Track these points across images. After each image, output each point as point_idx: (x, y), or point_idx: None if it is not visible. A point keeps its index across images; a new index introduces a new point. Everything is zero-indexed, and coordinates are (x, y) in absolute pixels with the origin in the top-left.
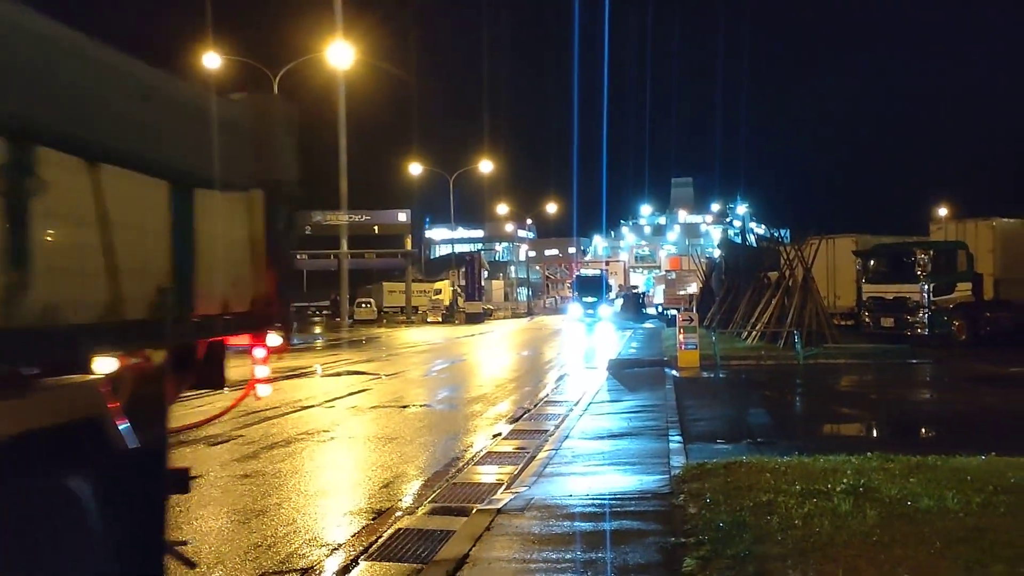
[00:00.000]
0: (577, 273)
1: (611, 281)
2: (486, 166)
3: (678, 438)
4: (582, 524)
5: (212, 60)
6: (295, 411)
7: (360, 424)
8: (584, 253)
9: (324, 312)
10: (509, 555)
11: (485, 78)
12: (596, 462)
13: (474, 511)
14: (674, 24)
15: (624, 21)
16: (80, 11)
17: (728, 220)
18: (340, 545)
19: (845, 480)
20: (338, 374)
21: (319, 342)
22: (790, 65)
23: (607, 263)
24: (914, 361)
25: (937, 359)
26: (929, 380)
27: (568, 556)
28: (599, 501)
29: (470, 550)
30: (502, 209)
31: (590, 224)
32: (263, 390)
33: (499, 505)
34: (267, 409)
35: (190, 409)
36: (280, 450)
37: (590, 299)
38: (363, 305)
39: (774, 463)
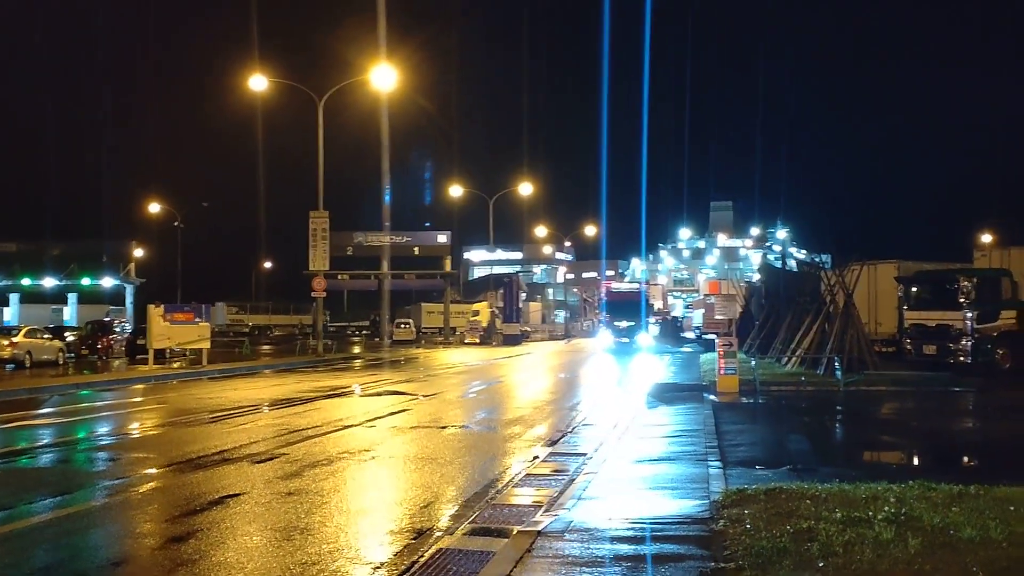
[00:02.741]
0: (607, 288)
1: (652, 302)
2: (525, 188)
3: (717, 463)
4: (622, 547)
5: (259, 83)
6: (336, 430)
7: (400, 444)
8: (622, 276)
9: (364, 332)
10: None
11: (524, 101)
12: (635, 486)
13: (515, 532)
14: (713, 47)
15: (663, 44)
16: (142, 39)
17: (768, 244)
18: (382, 564)
19: (887, 508)
20: (378, 394)
21: (359, 362)
22: (832, 88)
23: (647, 284)
24: (957, 389)
25: (980, 388)
26: (972, 409)
27: None
28: (639, 525)
29: (511, 571)
30: (540, 231)
31: (628, 247)
32: None
33: (539, 527)
34: (309, 428)
35: (234, 427)
36: (322, 468)
37: (624, 323)
38: (402, 326)
39: (814, 490)
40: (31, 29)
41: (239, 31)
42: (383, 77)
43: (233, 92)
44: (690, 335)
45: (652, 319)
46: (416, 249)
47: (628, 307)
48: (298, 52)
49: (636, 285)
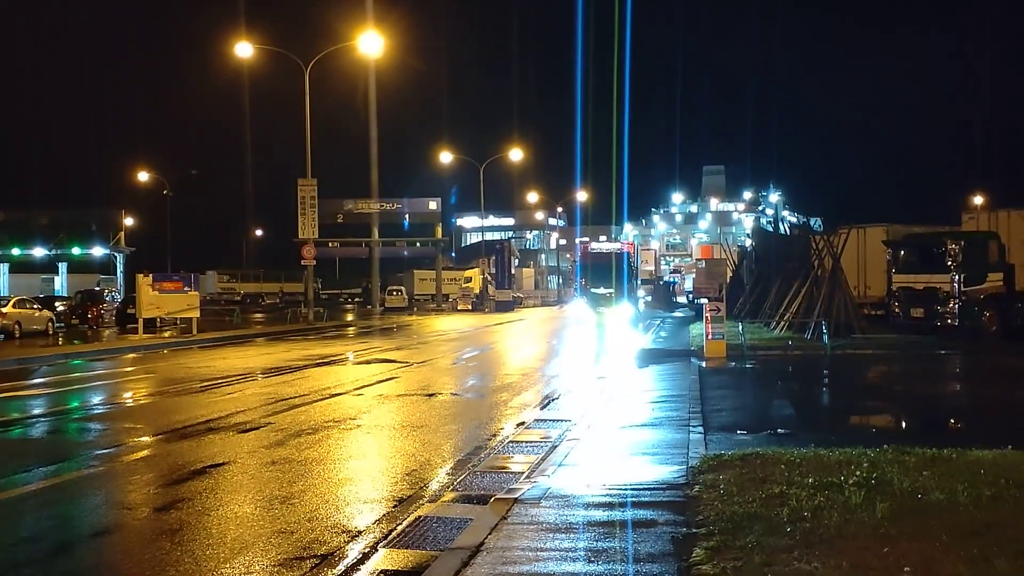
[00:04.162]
0: (585, 249)
1: (644, 266)
2: (516, 154)
3: (699, 429)
4: (597, 513)
5: (244, 50)
6: (323, 399)
7: (387, 412)
8: (615, 240)
9: (356, 299)
10: (523, 544)
11: (514, 66)
12: (616, 452)
13: (492, 500)
14: (702, 11)
15: (653, 8)
16: (128, 6)
17: (760, 208)
18: (361, 532)
19: (859, 473)
20: (367, 362)
21: (350, 330)
22: (823, 51)
23: (630, 244)
24: (942, 352)
25: (966, 351)
26: (957, 372)
27: (581, 545)
28: (615, 491)
29: (486, 538)
30: (532, 197)
31: (620, 212)
32: None
33: (517, 494)
34: (296, 397)
35: (222, 396)
36: (307, 437)
37: (603, 290)
38: (394, 293)
39: (790, 455)
40: None
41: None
42: (370, 43)
43: (221, 59)
44: (682, 300)
45: (642, 284)
46: (407, 216)
47: (609, 270)
48: (286, 18)
49: (618, 245)
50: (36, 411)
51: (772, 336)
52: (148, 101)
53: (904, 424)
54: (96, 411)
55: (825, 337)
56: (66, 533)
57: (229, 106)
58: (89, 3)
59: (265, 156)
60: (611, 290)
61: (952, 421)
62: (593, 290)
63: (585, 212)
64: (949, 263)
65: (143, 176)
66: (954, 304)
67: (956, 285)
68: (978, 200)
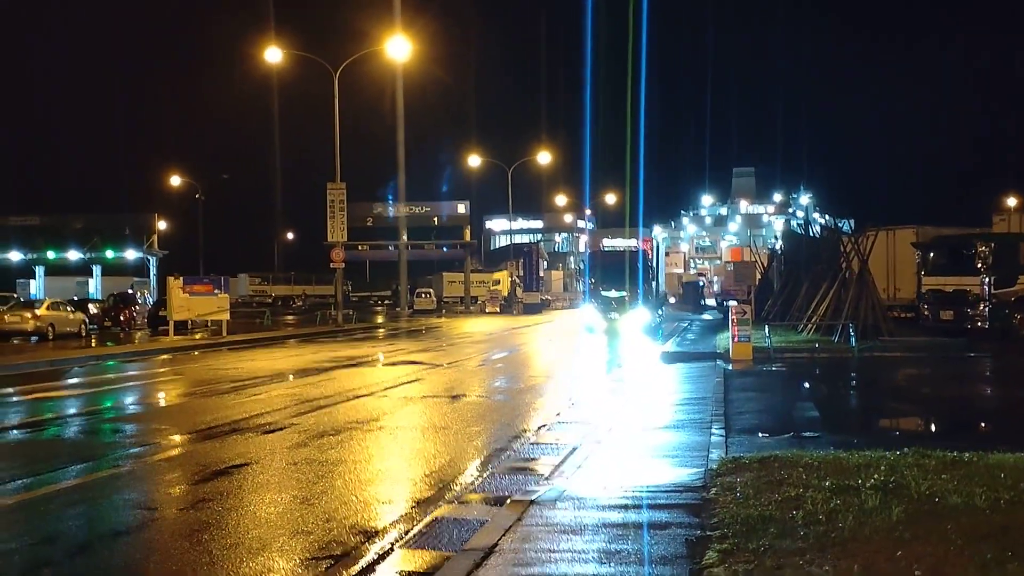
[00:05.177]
0: (595, 250)
1: (672, 269)
2: (544, 157)
3: (720, 431)
4: (612, 515)
5: (274, 54)
6: (348, 400)
7: (410, 414)
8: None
9: (385, 302)
10: (537, 545)
11: (542, 68)
12: (636, 454)
13: (508, 501)
14: (732, 11)
15: (683, 11)
16: (160, 13)
17: (791, 211)
18: (378, 532)
19: (877, 476)
20: (394, 364)
21: (378, 332)
22: (854, 52)
23: (647, 242)
24: (971, 355)
25: (995, 353)
26: (985, 375)
27: (593, 547)
28: (632, 493)
29: (499, 539)
30: (561, 200)
31: (650, 215)
32: None
33: (533, 496)
34: (321, 398)
35: (248, 398)
36: (330, 439)
37: (615, 293)
38: (423, 295)
39: (808, 458)
40: (48, 4)
41: (257, 3)
42: (398, 48)
43: (251, 64)
44: (711, 302)
45: (678, 284)
46: (436, 219)
47: (623, 271)
48: (315, 24)
49: (633, 242)
50: (67, 412)
51: (800, 339)
52: (180, 106)
53: (929, 427)
54: (125, 412)
55: (852, 340)
56: (89, 532)
57: (259, 110)
58: (120, 10)
59: (295, 159)
60: (624, 293)
61: (977, 424)
62: (604, 293)
63: (616, 214)
64: (979, 265)
65: (176, 180)
66: (984, 306)
67: (986, 287)
68: (1011, 202)
